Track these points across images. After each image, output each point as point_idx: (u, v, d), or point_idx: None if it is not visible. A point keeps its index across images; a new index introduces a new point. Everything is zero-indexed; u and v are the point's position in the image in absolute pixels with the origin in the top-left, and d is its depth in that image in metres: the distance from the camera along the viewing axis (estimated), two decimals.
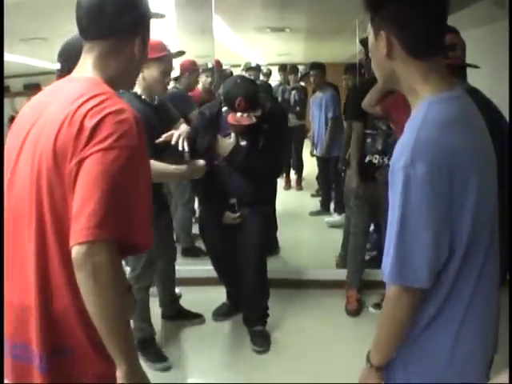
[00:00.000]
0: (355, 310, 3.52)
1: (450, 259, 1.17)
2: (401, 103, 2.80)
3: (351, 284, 3.66)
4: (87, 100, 1.18)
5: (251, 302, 3.20)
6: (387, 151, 3.30)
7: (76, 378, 1.23)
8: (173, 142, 2.54)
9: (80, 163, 1.13)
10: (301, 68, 6.29)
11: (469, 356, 1.26)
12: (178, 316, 3.33)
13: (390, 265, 1.17)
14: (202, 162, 2.66)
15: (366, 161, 3.42)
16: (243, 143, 2.99)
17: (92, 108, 1.17)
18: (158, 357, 2.89)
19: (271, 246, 4.15)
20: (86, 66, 1.29)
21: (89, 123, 1.15)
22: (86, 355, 1.21)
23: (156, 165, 2.35)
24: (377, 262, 4.20)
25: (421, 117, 1.15)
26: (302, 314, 3.51)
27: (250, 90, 2.86)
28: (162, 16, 1.55)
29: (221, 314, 3.46)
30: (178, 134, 2.56)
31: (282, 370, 2.87)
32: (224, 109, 2.94)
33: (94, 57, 1.29)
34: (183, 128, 2.72)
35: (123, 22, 1.27)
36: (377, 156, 3.38)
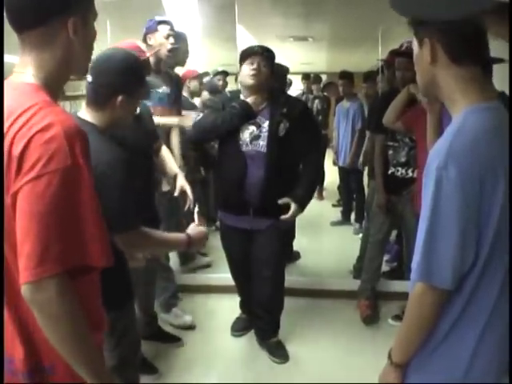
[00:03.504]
0: (368, 318, 3.50)
1: (472, 265, 1.19)
2: (421, 117, 2.80)
3: (361, 293, 3.64)
4: (17, 118, 1.09)
5: (265, 315, 3.16)
6: (411, 163, 3.27)
7: None
8: (176, 194, 2.57)
9: (14, 197, 1.06)
10: (324, 77, 6.29)
11: (487, 369, 1.26)
12: (155, 337, 3.22)
13: (416, 262, 1.20)
14: (204, 229, 2.17)
15: (389, 173, 3.39)
16: (264, 130, 2.85)
17: (19, 129, 1.07)
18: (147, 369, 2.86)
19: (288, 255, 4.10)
20: (27, 65, 1.18)
21: (16, 151, 1.06)
22: (67, 371, 1.19)
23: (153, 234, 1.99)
24: (397, 274, 4.19)
25: (458, 124, 1.20)
26: (317, 324, 3.48)
27: (268, 48, 2.90)
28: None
29: (238, 329, 3.39)
30: (190, 200, 2.59)
31: (299, 381, 2.85)
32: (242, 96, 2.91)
33: (30, 52, 1.17)
34: (188, 189, 2.70)
35: (46, 6, 1.14)
36: (399, 168, 3.34)
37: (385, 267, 3.94)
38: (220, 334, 3.37)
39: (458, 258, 1.16)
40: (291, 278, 3.58)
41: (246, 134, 2.85)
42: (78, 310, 1.11)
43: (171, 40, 3.23)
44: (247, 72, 2.81)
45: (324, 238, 5.40)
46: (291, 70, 4.61)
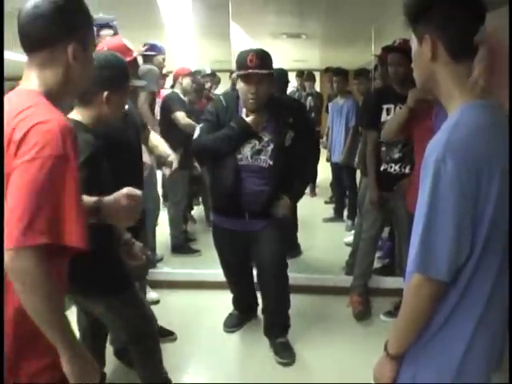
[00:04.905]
0: (360, 314, 3.51)
1: (468, 257, 1.20)
2: (418, 119, 2.77)
3: (354, 289, 3.65)
4: (21, 111, 1.25)
5: (274, 315, 3.15)
6: (404, 160, 3.27)
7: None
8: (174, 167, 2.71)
9: (9, 175, 1.20)
10: (317, 74, 6.32)
11: (480, 363, 1.27)
12: None
13: (414, 254, 1.21)
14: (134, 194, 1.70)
15: (382, 169, 3.39)
16: (267, 144, 2.82)
17: (22, 120, 1.23)
18: None
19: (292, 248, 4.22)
20: (31, 78, 1.36)
21: (16, 136, 1.22)
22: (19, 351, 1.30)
23: None
24: (389, 270, 4.19)
25: (455, 119, 1.22)
26: (309, 320, 3.49)
27: (264, 51, 2.84)
28: (107, 21, 1.54)
29: (230, 325, 3.40)
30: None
31: (291, 376, 2.87)
32: (242, 108, 2.85)
33: (35, 69, 1.35)
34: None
35: (49, 34, 1.33)
36: (393, 165, 3.33)
37: (377, 264, 3.97)
38: (212, 330, 3.37)
39: (454, 250, 1.18)
40: None
41: (247, 149, 2.81)
42: (52, 283, 1.21)
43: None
44: (246, 95, 2.74)
45: (316, 235, 5.43)
46: (285, 67, 4.64)
